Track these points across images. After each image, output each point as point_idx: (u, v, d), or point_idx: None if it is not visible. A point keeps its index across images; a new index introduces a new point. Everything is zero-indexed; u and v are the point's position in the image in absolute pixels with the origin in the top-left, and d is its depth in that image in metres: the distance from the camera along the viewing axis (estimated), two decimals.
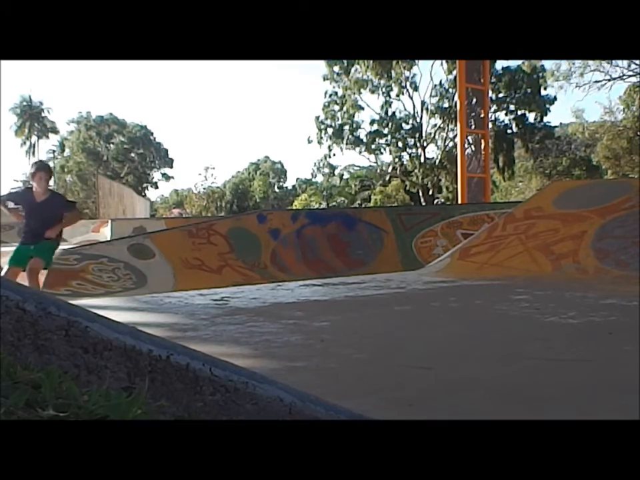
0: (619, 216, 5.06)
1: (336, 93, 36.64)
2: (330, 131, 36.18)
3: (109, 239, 13.94)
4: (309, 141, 37.54)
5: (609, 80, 30.75)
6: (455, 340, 2.50)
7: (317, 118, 36.59)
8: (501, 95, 34.91)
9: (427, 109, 35.64)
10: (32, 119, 55.29)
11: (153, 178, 60.71)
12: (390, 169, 38.41)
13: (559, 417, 1.43)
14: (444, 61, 32.23)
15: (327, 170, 40.84)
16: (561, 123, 40.62)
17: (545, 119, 36.59)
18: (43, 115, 56.54)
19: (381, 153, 37.60)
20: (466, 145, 18.46)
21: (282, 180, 62.87)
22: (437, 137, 36.25)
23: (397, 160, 37.16)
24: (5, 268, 5.18)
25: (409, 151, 36.97)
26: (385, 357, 2.22)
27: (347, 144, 36.33)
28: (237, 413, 0.97)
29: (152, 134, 58.67)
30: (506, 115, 36.08)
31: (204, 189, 53.00)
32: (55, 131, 57.47)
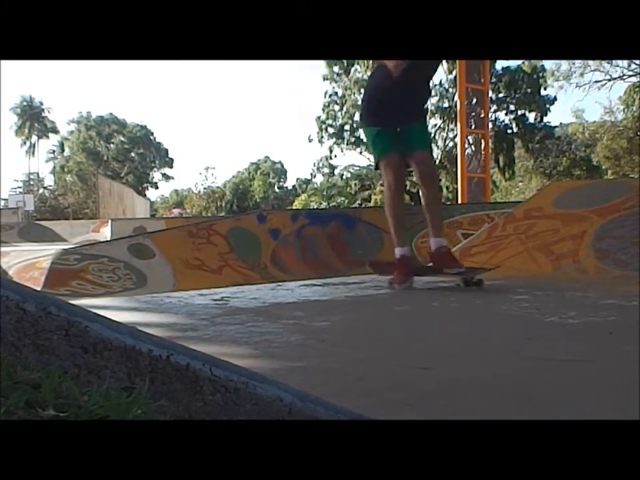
0: (618, 216, 5.06)
1: (336, 93, 36.65)
2: (331, 130, 36.19)
3: (108, 239, 13.93)
4: (310, 140, 37.57)
5: (609, 80, 30.78)
6: (455, 340, 2.50)
7: (318, 118, 36.59)
8: (501, 95, 34.92)
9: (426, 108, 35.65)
10: (32, 119, 55.34)
11: (153, 178, 60.77)
12: None
13: (559, 417, 1.43)
14: (444, 61, 32.24)
15: (326, 170, 40.85)
16: (561, 123, 40.69)
17: (545, 119, 36.65)
18: (43, 115, 56.59)
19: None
20: (466, 145, 18.45)
21: (282, 180, 62.88)
22: (437, 136, 36.25)
23: None
24: None
25: None
26: (385, 357, 2.22)
27: (347, 144, 36.32)
28: (237, 413, 0.97)
29: (152, 134, 58.75)
30: (506, 114, 36.11)
31: (204, 188, 53.05)
32: (55, 130, 57.57)
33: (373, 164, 4.29)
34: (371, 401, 1.62)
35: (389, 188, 3.99)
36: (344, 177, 45.30)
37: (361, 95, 4.34)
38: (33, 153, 56.14)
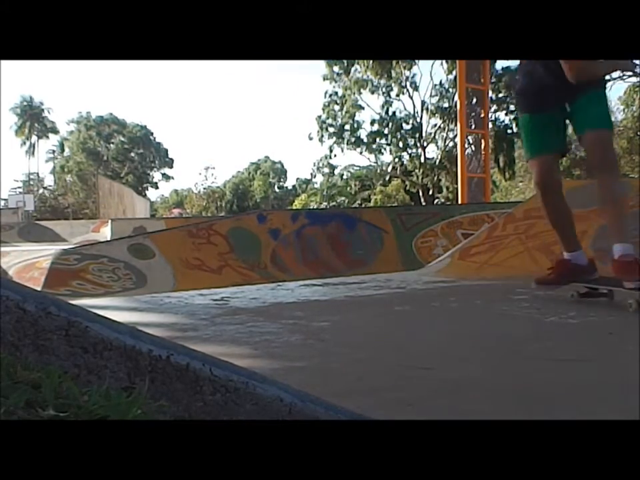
0: None
1: (336, 93, 36.63)
2: (331, 130, 36.19)
3: (108, 239, 13.94)
4: (310, 138, 37.53)
5: (609, 80, 30.80)
6: (455, 340, 2.50)
7: (319, 117, 36.56)
8: (500, 95, 34.91)
9: (427, 108, 35.69)
10: (32, 119, 55.35)
11: (153, 178, 60.79)
12: (390, 169, 38.39)
13: (559, 417, 1.43)
14: (444, 61, 32.25)
15: (326, 170, 40.89)
16: None
17: None
18: (43, 114, 56.59)
19: (381, 153, 37.60)
20: (466, 145, 18.46)
21: (282, 180, 62.91)
22: (437, 136, 36.28)
23: (397, 160, 37.18)
24: None
25: (409, 150, 36.99)
26: (385, 357, 2.22)
27: (347, 144, 36.31)
28: (237, 413, 0.97)
29: (152, 134, 58.75)
30: (506, 115, 36.09)
31: (204, 188, 53.07)
32: (55, 131, 57.57)
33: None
34: (371, 401, 1.62)
35: (539, 195, 3.43)
36: (344, 177, 45.33)
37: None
38: (33, 153, 56.16)
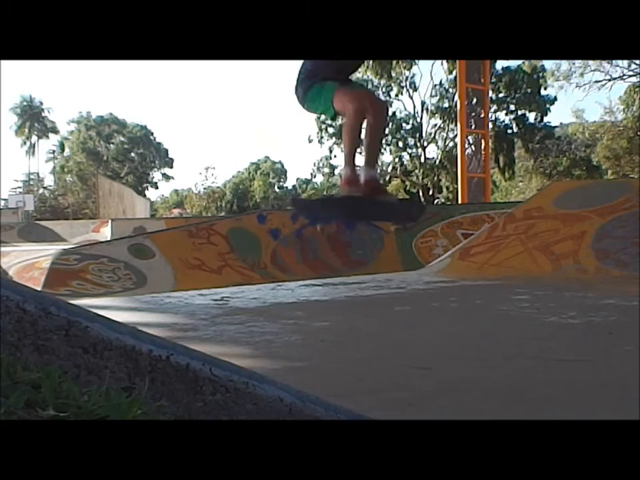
0: (618, 216, 5.06)
1: None
2: (331, 130, 36.15)
3: (109, 239, 13.94)
4: (310, 140, 37.50)
5: (609, 80, 30.78)
6: (455, 340, 2.50)
7: (318, 118, 36.50)
8: (501, 95, 34.89)
9: (427, 108, 35.65)
10: (32, 119, 55.30)
11: (153, 178, 60.71)
12: (390, 169, 38.38)
13: (559, 417, 1.43)
14: (444, 61, 32.24)
15: (326, 170, 40.85)
16: (561, 123, 40.59)
17: (545, 119, 36.58)
18: (43, 114, 56.54)
19: (382, 153, 37.54)
20: (466, 145, 18.44)
21: (282, 180, 62.84)
22: (437, 136, 36.24)
23: (397, 160, 37.15)
24: None
25: (409, 150, 36.96)
26: (385, 357, 2.22)
27: None
28: (237, 413, 0.97)
29: (152, 134, 58.65)
30: (506, 115, 36.08)
31: (204, 188, 52.98)
32: (55, 131, 57.47)
33: None
34: (371, 400, 1.62)
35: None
36: None
37: None
38: (33, 153, 56.12)
